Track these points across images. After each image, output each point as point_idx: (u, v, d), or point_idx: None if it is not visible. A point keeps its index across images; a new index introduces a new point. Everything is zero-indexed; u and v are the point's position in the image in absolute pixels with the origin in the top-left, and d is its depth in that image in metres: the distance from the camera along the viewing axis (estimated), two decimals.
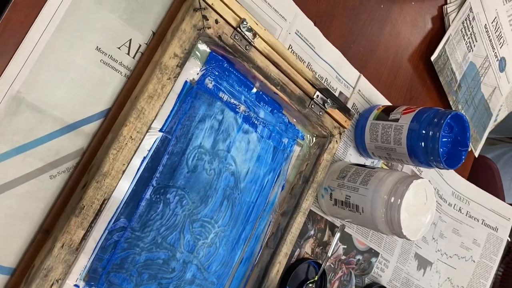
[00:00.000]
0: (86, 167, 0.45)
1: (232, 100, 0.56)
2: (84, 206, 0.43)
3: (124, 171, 0.45)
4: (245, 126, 0.58)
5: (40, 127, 0.43)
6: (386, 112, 0.71)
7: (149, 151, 0.50)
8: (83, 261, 0.46)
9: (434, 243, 0.92)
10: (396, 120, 0.68)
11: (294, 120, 0.64)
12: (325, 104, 0.62)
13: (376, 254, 0.81)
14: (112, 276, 0.48)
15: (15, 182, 0.43)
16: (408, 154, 0.67)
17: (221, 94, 0.55)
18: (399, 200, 0.59)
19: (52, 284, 0.42)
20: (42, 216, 0.45)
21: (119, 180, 0.45)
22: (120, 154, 0.45)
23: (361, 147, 0.74)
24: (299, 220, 0.62)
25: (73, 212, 0.42)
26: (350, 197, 0.65)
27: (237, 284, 0.60)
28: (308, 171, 0.64)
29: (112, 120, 0.47)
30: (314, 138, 0.66)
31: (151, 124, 0.46)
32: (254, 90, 0.58)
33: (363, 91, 0.73)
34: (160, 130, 0.50)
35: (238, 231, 0.59)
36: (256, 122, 0.59)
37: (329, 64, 0.67)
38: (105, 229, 0.47)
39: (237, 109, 0.57)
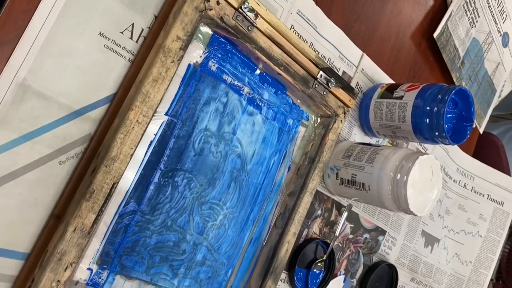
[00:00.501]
0: (95, 152, 0.46)
1: (236, 82, 0.56)
2: (94, 191, 0.43)
3: (132, 155, 0.46)
4: (249, 108, 0.58)
5: (47, 114, 0.44)
6: (390, 90, 0.71)
7: (155, 135, 0.50)
8: (95, 245, 0.47)
9: (440, 220, 0.93)
10: (400, 97, 0.68)
11: (299, 101, 0.64)
12: (329, 84, 0.62)
13: (383, 232, 0.82)
14: (124, 259, 0.49)
15: (25, 169, 0.43)
16: (413, 131, 0.67)
17: (225, 77, 0.55)
18: (405, 176, 0.60)
19: (66, 268, 0.43)
20: (52, 202, 0.45)
21: (128, 164, 0.45)
22: (128, 138, 0.45)
23: (365, 126, 0.74)
24: (306, 200, 0.63)
25: (83, 197, 0.43)
26: (356, 175, 0.66)
27: (247, 265, 0.61)
28: (313, 152, 0.64)
29: (118, 105, 0.47)
30: (318, 119, 0.66)
31: (156, 107, 0.47)
32: (258, 71, 0.58)
33: (366, 70, 0.73)
34: (166, 114, 0.50)
35: (246, 212, 0.60)
36: (260, 103, 0.59)
37: (332, 43, 0.67)
38: (116, 213, 0.48)
39: (241, 91, 0.57)
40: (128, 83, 0.48)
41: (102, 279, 0.48)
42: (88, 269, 0.47)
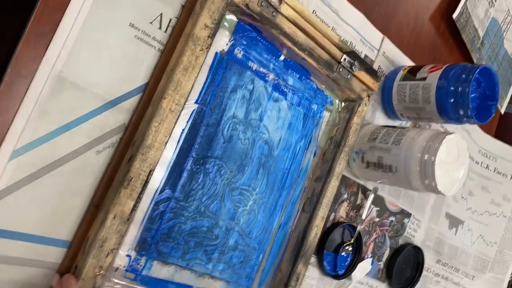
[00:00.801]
0: (130, 142, 0.47)
1: (261, 69, 0.57)
2: (132, 178, 0.44)
3: (166, 143, 0.46)
4: (275, 94, 0.59)
5: (83, 105, 0.45)
6: (412, 73, 0.71)
7: (187, 122, 0.51)
8: (133, 232, 0.48)
9: (464, 202, 0.93)
10: (424, 79, 0.68)
11: (323, 86, 0.64)
12: (353, 67, 0.62)
13: (408, 215, 0.82)
14: (161, 245, 0.50)
15: (65, 159, 0.44)
16: (438, 111, 0.67)
17: (250, 64, 0.56)
18: (433, 157, 0.60)
19: (108, 254, 0.44)
20: (91, 191, 0.46)
21: (162, 152, 0.46)
22: (162, 127, 0.46)
23: (389, 109, 0.74)
24: (333, 184, 0.63)
25: (122, 184, 0.44)
26: (382, 158, 0.66)
27: (277, 249, 0.62)
28: (339, 136, 0.65)
29: (150, 95, 0.48)
30: (342, 103, 0.67)
31: (188, 95, 0.47)
32: (282, 57, 0.58)
33: (387, 53, 0.73)
34: (196, 102, 0.51)
35: (275, 197, 0.60)
36: (285, 89, 0.60)
37: (353, 27, 0.67)
38: (151, 200, 0.49)
39: (266, 78, 0.57)
40: (158, 72, 0.48)
41: (140, 265, 0.49)
42: (127, 255, 0.48)
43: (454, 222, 0.91)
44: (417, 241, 0.84)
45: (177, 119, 0.47)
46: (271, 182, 0.60)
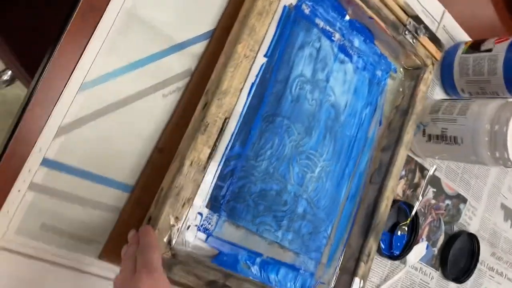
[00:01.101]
0: (197, 87, 0.45)
1: (328, 28, 0.54)
2: (208, 124, 0.42)
3: (241, 90, 0.44)
4: (341, 56, 0.56)
5: (152, 44, 0.43)
6: (474, 47, 0.67)
7: (256, 76, 0.48)
8: (205, 189, 0.45)
9: None
10: (490, 50, 0.64)
11: (386, 52, 0.61)
12: (418, 31, 0.59)
13: (464, 200, 0.77)
14: (232, 204, 0.47)
15: (131, 99, 0.42)
16: (505, 83, 0.64)
17: (317, 21, 0.53)
18: (505, 127, 0.56)
19: (184, 204, 0.41)
20: (156, 134, 0.44)
21: (237, 99, 0.44)
22: (237, 72, 0.44)
23: (448, 85, 0.71)
24: (402, 153, 0.60)
25: (198, 130, 0.41)
26: (447, 129, 0.62)
27: (345, 223, 0.58)
28: (405, 104, 0.61)
29: (217, 41, 0.46)
30: (405, 71, 0.64)
31: (261, 42, 0.45)
32: (347, 17, 0.56)
33: (447, 27, 0.71)
34: (265, 56, 0.49)
35: (342, 166, 0.57)
36: (351, 51, 0.57)
37: None
38: (223, 155, 0.46)
39: (332, 37, 0.55)
40: (226, 19, 0.47)
41: (212, 225, 0.46)
42: (199, 213, 0.45)
43: (510, 214, 0.86)
44: (472, 230, 0.79)
45: (251, 65, 0.45)
46: (338, 149, 0.56)
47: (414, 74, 0.63)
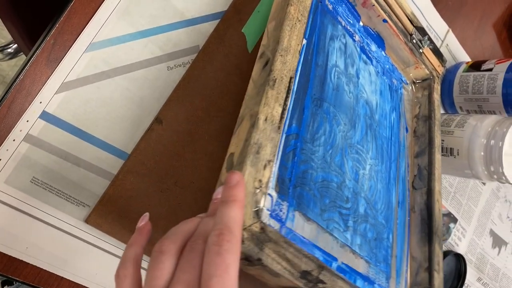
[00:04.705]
0: (203, 64, 0.43)
1: (348, 27, 0.54)
2: (276, 79, 0.36)
3: (300, 52, 0.39)
4: (363, 56, 0.54)
5: (163, 16, 0.42)
6: (475, 66, 0.70)
7: (300, 54, 0.44)
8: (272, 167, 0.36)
9: (509, 223, 0.86)
10: (490, 69, 0.67)
11: (395, 64, 0.61)
12: (422, 42, 0.61)
13: (455, 220, 0.75)
14: (299, 191, 0.38)
15: (137, 66, 0.41)
16: (504, 102, 0.66)
17: (339, 18, 0.52)
18: (500, 142, 0.57)
19: (265, 165, 0.32)
20: (157, 105, 0.42)
21: (298, 61, 0.39)
22: (293, 33, 0.39)
23: (447, 102, 0.72)
24: (438, 156, 0.56)
25: (267, 84, 0.35)
26: (443, 141, 0.63)
27: (402, 231, 0.50)
28: (425, 110, 0.60)
29: (227, 22, 0.45)
30: (414, 85, 0.63)
31: (308, 11, 0.42)
32: (361, 23, 0.56)
33: (450, 47, 0.74)
34: (304, 37, 0.45)
35: (386, 168, 0.51)
36: (370, 55, 0.56)
37: (420, 10, 0.68)
38: (282, 132, 0.39)
39: (353, 37, 0.54)
40: (239, 2, 0.45)
41: (283, 213, 0.36)
42: (269, 194, 0.35)
43: (498, 242, 0.84)
44: (460, 252, 0.75)
45: (304, 32, 0.41)
46: (380, 149, 0.51)
47: (425, 84, 0.62)
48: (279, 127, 0.34)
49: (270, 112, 0.34)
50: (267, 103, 0.34)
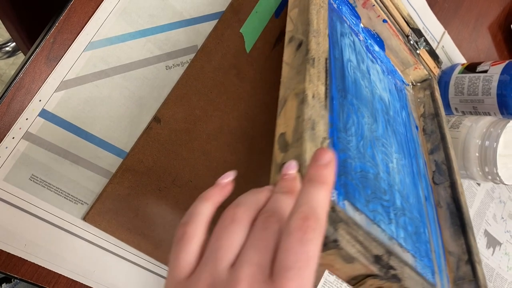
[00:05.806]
0: (201, 64, 0.42)
1: (353, 27, 0.53)
2: (314, 58, 0.34)
3: (328, 36, 0.38)
4: (369, 55, 0.54)
5: (162, 15, 0.42)
6: (471, 68, 0.71)
7: (329, 38, 0.42)
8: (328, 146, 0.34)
9: (503, 223, 0.86)
10: (485, 71, 0.68)
11: (395, 66, 0.61)
12: (418, 44, 0.61)
13: None
14: (343, 180, 0.35)
15: (135, 65, 0.41)
16: (498, 104, 0.66)
17: (344, 17, 0.52)
18: (494, 143, 0.57)
19: (322, 142, 0.29)
20: (155, 104, 0.42)
21: (327, 44, 0.37)
22: (320, 17, 0.38)
23: (443, 103, 0.72)
24: (452, 152, 0.55)
25: (307, 62, 0.33)
26: None
27: (434, 226, 0.48)
28: (430, 108, 0.60)
29: (225, 22, 0.44)
30: (414, 87, 0.63)
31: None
32: (361, 25, 0.56)
33: (446, 48, 0.74)
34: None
35: (409, 163, 0.50)
36: (374, 55, 0.56)
37: (416, 11, 0.69)
38: None
39: (358, 36, 0.53)
40: (237, 2, 0.44)
41: (337, 201, 0.33)
42: None
43: (492, 242, 0.84)
44: None
45: (329, 17, 0.39)
46: (400, 144, 0.50)
47: (425, 85, 0.63)
48: (325, 106, 0.32)
49: (315, 89, 0.32)
50: (311, 80, 0.32)
